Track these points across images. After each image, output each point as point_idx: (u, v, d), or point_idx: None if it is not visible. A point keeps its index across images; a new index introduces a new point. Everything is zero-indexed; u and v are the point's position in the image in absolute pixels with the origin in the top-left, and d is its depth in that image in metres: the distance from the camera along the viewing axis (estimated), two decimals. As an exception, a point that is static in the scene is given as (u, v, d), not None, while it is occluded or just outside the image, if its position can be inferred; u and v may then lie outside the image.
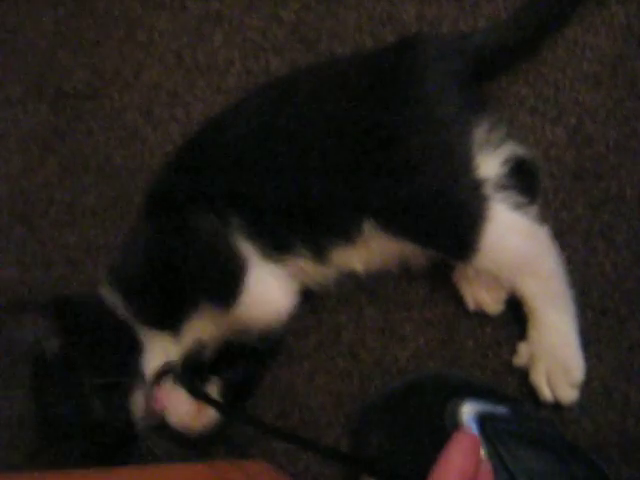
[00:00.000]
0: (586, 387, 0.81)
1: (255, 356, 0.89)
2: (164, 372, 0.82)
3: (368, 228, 0.80)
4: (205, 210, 0.82)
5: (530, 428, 0.77)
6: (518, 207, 0.80)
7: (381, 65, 0.83)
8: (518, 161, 0.84)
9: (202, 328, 0.85)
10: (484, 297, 0.85)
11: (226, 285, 0.81)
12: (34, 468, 0.88)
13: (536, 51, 0.92)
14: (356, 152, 0.79)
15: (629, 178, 0.88)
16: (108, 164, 1.08)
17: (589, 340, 0.82)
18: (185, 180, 0.86)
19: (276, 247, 0.82)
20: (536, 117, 0.91)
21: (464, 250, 0.78)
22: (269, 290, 0.83)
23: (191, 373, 0.83)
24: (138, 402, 0.83)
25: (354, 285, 0.89)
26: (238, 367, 0.88)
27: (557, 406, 0.82)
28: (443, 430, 0.75)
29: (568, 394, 0.80)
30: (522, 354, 0.83)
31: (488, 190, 0.78)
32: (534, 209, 0.82)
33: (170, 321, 0.84)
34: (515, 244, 0.79)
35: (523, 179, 0.83)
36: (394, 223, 0.79)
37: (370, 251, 0.83)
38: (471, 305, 0.87)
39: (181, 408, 0.82)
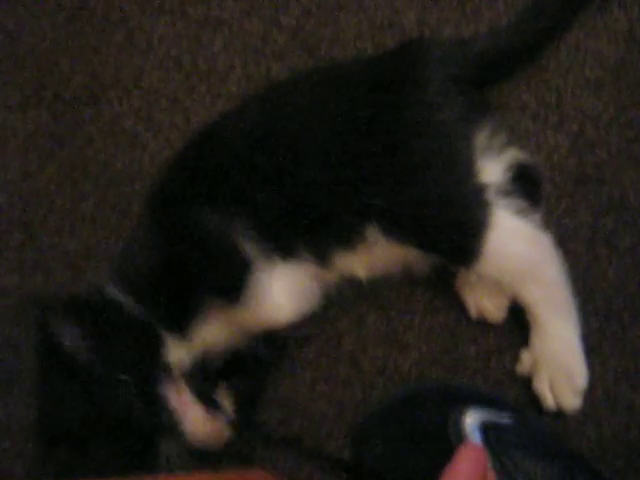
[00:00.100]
0: (589, 395, 0.81)
1: (262, 366, 0.88)
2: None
3: (371, 233, 0.79)
4: (210, 211, 0.81)
5: (534, 437, 0.77)
6: (521, 213, 0.79)
7: (382, 70, 0.83)
8: (520, 167, 0.83)
9: (210, 330, 0.84)
10: (486, 305, 0.85)
11: (230, 280, 0.80)
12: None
13: (538, 57, 0.92)
14: (358, 156, 0.78)
15: (632, 184, 0.87)
16: (108, 170, 1.07)
17: (592, 347, 0.82)
18: (189, 181, 0.85)
19: (280, 250, 0.81)
20: (538, 123, 0.91)
21: (467, 256, 0.77)
22: (273, 291, 0.82)
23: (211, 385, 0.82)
24: (169, 392, 0.82)
25: (355, 292, 0.88)
26: (247, 377, 0.87)
27: (560, 414, 0.81)
28: (446, 439, 0.74)
29: (571, 402, 0.80)
30: (525, 362, 0.83)
31: (491, 196, 0.78)
32: (537, 215, 0.81)
33: (179, 321, 0.83)
34: (518, 250, 0.78)
35: (525, 185, 0.83)
36: (397, 228, 0.78)
37: (373, 256, 0.82)
38: (473, 313, 0.86)
39: (197, 420, 0.81)
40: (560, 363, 0.79)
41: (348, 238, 0.80)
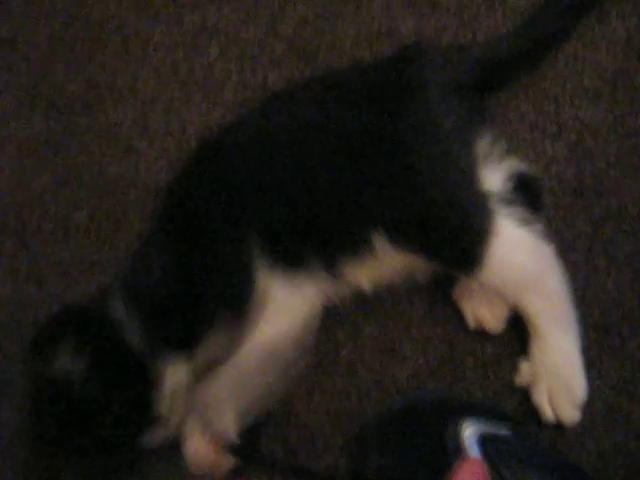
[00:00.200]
0: (588, 407, 0.80)
1: None
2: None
3: (378, 241, 0.79)
4: (220, 225, 0.82)
5: (533, 449, 0.76)
6: (524, 223, 0.79)
7: (382, 77, 0.83)
8: (520, 177, 0.83)
9: (218, 347, 0.83)
10: (485, 315, 0.84)
11: (240, 295, 0.81)
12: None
13: (536, 66, 0.92)
14: (362, 165, 0.78)
15: (630, 194, 0.87)
16: (102, 178, 1.07)
17: (591, 359, 0.81)
18: (198, 195, 0.85)
19: (292, 265, 0.81)
20: (536, 133, 0.91)
21: (470, 263, 0.77)
22: (282, 308, 0.83)
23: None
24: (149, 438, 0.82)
25: (353, 303, 0.87)
26: None
27: (559, 426, 0.80)
28: (444, 452, 0.73)
29: (570, 414, 0.79)
30: (524, 373, 0.82)
31: (494, 204, 0.77)
32: (539, 226, 0.81)
33: (188, 341, 0.82)
34: (521, 260, 0.78)
35: (526, 195, 0.82)
36: (402, 236, 0.78)
37: (379, 266, 0.82)
38: (472, 323, 0.86)
39: (198, 449, 0.79)
40: (560, 375, 0.79)
41: (356, 247, 0.80)
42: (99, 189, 1.06)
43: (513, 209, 0.79)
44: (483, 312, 0.84)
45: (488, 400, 0.85)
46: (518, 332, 0.83)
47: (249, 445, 0.84)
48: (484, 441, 0.74)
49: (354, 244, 0.80)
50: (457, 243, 0.77)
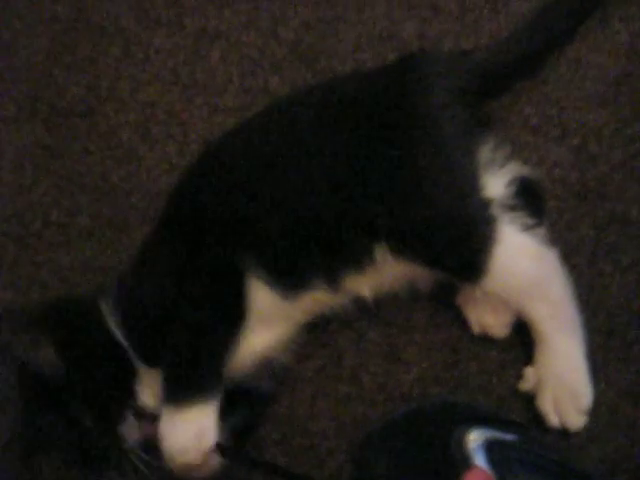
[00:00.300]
0: (593, 412, 0.80)
1: (258, 401, 0.88)
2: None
3: (380, 253, 0.78)
4: (219, 241, 0.81)
5: (539, 455, 0.76)
6: (527, 229, 0.78)
7: (383, 85, 0.82)
8: (523, 182, 0.82)
9: None
10: (489, 320, 0.84)
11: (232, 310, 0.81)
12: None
13: (539, 70, 0.92)
14: (363, 175, 0.78)
15: (634, 198, 0.87)
16: (104, 184, 1.06)
17: (596, 364, 0.81)
18: (196, 205, 0.84)
19: (290, 276, 0.80)
20: (539, 137, 0.91)
21: (473, 272, 0.77)
22: (276, 316, 0.83)
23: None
24: (130, 428, 0.81)
25: (356, 309, 0.87)
26: (241, 412, 0.86)
27: (564, 432, 0.80)
28: (450, 458, 0.73)
29: (576, 420, 0.79)
30: (528, 379, 0.82)
31: (496, 211, 0.77)
32: (542, 231, 0.80)
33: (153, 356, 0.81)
34: (524, 267, 0.77)
35: (529, 200, 0.82)
36: (405, 246, 0.77)
37: (381, 276, 0.81)
38: (476, 329, 0.85)
39: (185, 452, 0.79)
40: (565, 382, 0.78)
41: (358, 260, 0.79)
42: (100, 194, 1.06)
43: (515, 215, 0.78)
44: (487, 318, 0.84)
45: (492, 406, 0.84)
46: (522, 337, 0.83)
47: (235, 445, 0.84)
48: (490, 447, 0.74)
49: (355, 256, 0.79)
50: (459, 252, 0.77)
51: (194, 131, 1.04)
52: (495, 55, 0.87)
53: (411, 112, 0.79)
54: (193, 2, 1.08)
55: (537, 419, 0.81)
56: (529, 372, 0.82)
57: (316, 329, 0.91)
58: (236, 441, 0.84)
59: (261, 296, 0.80)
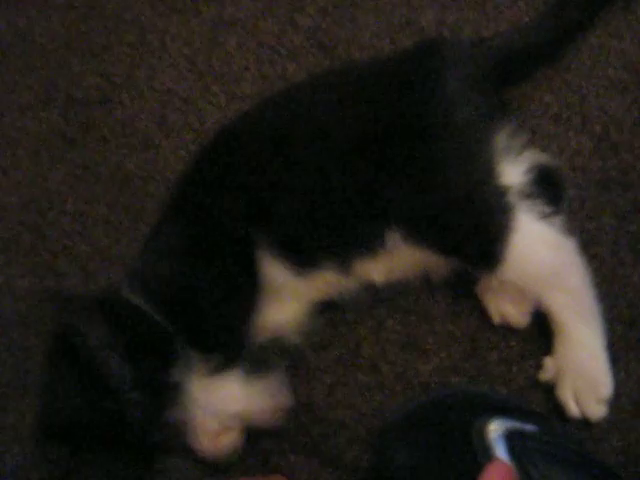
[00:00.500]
0: (614, 402, 0.79)
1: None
2: None
3: (391, 239, 0.78)
4: (232, 221, 0.81)
5: (559, 446, 0.75)
6: (544, 217, 0.77)
7: (401, 71, 0.81)
8: (542, 170, 0.81)
9: None
10: (509, 310, 0.83)
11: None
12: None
13: (560, 57, 0.91)
14: (378, 160, 0.77)
15: (656, 187, 0.86)
16: (120, 172, 1.06)
17: (616, 353, 0.80)
18: (209, 186, 0.84)
19: (302, 258, 0.80)
20: (560, 125, 0.90)
21: (489, 261, 0.76)
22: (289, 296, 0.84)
23: None
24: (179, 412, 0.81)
25: (374, 297, 0.87)
26: None
27: (584, 422, 0.80)
28: (470, 448, 0.73)
29: (596, 411, 0.79)
30: (548, 369, 0.81)
31: (513, 198, 0.76)
32: (560, 219, 0.80)
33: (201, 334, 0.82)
34: (542, 256, 0.77)
35: (548, 188, 0.81)
36: (418, 233, 0.77)
37: (392, 262, 0.81)
38: (496, 318, 0.85)
39: (208, 434, 0.79)
40: (585, 372, 0.78)
41: (369, 245, 0.79)
42: (117, 182, 1.06)
43: (533, 203, 0.77)
44: (507, 307, 0.83)
45: (513, 396, 0.84)
46: (543, 326, 0.82)
47: None
48: (510, 437, 0.74)
49: (366, 241, 0.79)
50: (475, 240, 0.76)
51: (211, 119, 1.04)
52: (515, 42, 0.86)
53: (428, 98, 0.78)
54: (209, -12, 1.07)
55: (557, 409, 0.81)
56: (549, 362, 0.81)
57: (334, 318, 0.90)
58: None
59: (273, 271, 0.81)
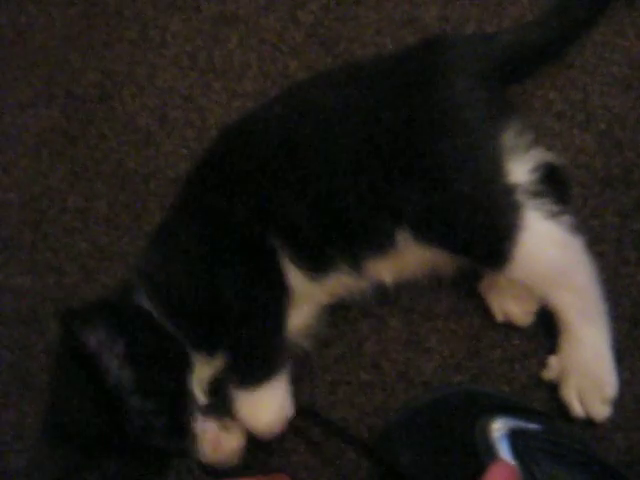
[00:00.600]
0: (618, 402, 0.79)
1: None
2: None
3: (402, 238, 0.78)
4: (243, 222, 0.80)
5: (563, 445, 0.75)
6: (552, 216, 0.77)
7: (406, 69, 0.81)
8: (548, 168, 0.81)
9: None
10: (513, 308, 0.83)
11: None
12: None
13: (563, 54, 0.90)
14: (386, 159, 0.77)
15: (660, 185, 0.85)
16: (121, 169, 1.06)
17: (621, 352, 0.79)
18: (217, 187, 0.83)
19: (313, 258, 0.80)
20: (564, 122, 0.89)
21: (498, 259, 0.76)
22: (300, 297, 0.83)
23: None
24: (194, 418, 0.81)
25: (377, 295, 0.86)
26: None
27: (588, 422, 0.79)
28: (474, 449, 0.72)
29: (600, 411, 0.78)
30: (552, 368, 0.81)
31: (521, 197, 0.76)
32: (567, 218, 0.79)
33: (211, 339, 0.81)
34: (550, 255, 0.76)
35: (554, 187, 0.81)
36: (427, 231, 0.77)
37: (402, 261, 0.81)
38: (499, 316, 0.84)
39: (212, 440, 0.79)
40: (590, 371, 0.77)
41: (380, 244, 0.79)
42: (118, 179, 1.06)
43: (540, 201, 0.77)
44: (510, 305, 0.83)
45: (516, 395, 0.83)
46: (546, 325, 0.82)
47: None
48: (513, 436, 0.73)
49: (377, 240, 0.79)
50: (483, 238, 0.76)
51: (212, 116, 1.03)
52: (518, 39, 0.85)
53: (433, 97, 0.78)
54: (210, -15, 1.07)
55: (561, 409, 0.80)
56: (553, 361, 0.81)
57: (337, 316, 0.90)
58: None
59: (290, 275, 0.81)
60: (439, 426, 0.78)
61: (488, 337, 0.86)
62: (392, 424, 0.82)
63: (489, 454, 0.71)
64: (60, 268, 1.05)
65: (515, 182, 0.76)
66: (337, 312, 0.90)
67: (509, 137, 0.78)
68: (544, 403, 0.83)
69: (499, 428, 0.74)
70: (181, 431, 0.78)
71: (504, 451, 0.72)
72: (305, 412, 0.84)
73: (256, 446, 0.87)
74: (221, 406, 0.80)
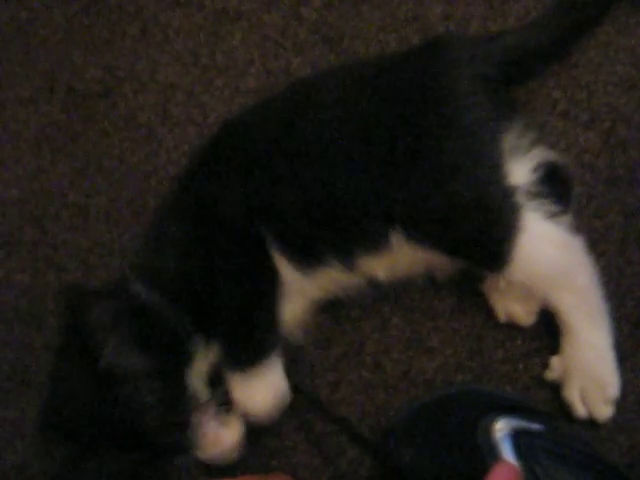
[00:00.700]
0: (620, 402, 0.79)
1: None
2: None
3: (395, 238, 0.77)
4: (237, 216, 0.80)
5: (566, 445, 0.75)
6: (552, 216, 0.77)
7: (408, 69, 0.80)
8: (550, 167, 0.81)
9: None
10: (515, 308, 0.83)
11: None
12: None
13: (567, 53, 0.89)
14: (383, 159, 0.76)
15: (665, 185, 0.85)
16: (122, 165, 1.05)
17: (624, 353, 0.79)
18: (213, 181, 0.83)
19: (306, 254, 0.80)
20: (568, 121, 0.89)
21: (496, 261, 0.75)
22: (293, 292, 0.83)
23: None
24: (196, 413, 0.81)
25: (379, 294, 0.86)
26: None
27: (591, 422, 0.79)
28: (477, 448, 0.72)
29: (603, 411, 0.78)
30: (555, 368, 0.81)
31: (520, 198, 0.75)
32: (568, 218, 0.79)
33: (205, 328, 0.81)
34: (549, 256, 0.76)
35: (555, 186, 0.80)
36: (423, 233, 0.76)
37: (396, 260, 0.80)
38: (502, 316, 0.84)
39: (210, 437, 0.79)
40: (592, 372, 0.77)
41: (372, 243, 0.78)
42: (119, 176, 1.05)
43: (540, 202, 0.76)
44: (513, 305, 0.83)
45: (519, 395, 0.83)
46: (549, 325, 0.82)
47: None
48: (516, 436, 0.73)
49: (369, 238, 0.78)
50: (481, 241, 0.75)
51: (214, 113, 1.02)
52: (522, 39, 0.84)
53: (434, 97, 0.77)
54: (213, -18, 1.06)
55: (563, 409, 0.80)
56: (555, 361, 0.81)
57: (338, 315, 0.90)
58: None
59: (280, 268, 0.81)
60: (441, 426, 0.78)
61: (490, 337, 0.86)
62: (394, 423, 0.82)
63: (492, 454, 0.71)
64: (60, 264, 1.04)
65: (515, 183, 0.76)
66: (339, 311, 0.89)
67: (510, 138, 0.78)
68: (547, 403, 0.83)
69: (502, 428, 0.74)
70: (181, 424, 0.78)
71: (507, 451, 0.72)
72: (308, 400, 0.85)
73: (256, 445, 0.87)
74: (219, 399, 0.80)
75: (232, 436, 0.82)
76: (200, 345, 0.81)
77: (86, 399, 0.77)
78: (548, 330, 0.83)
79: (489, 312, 0.86)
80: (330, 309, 0.88)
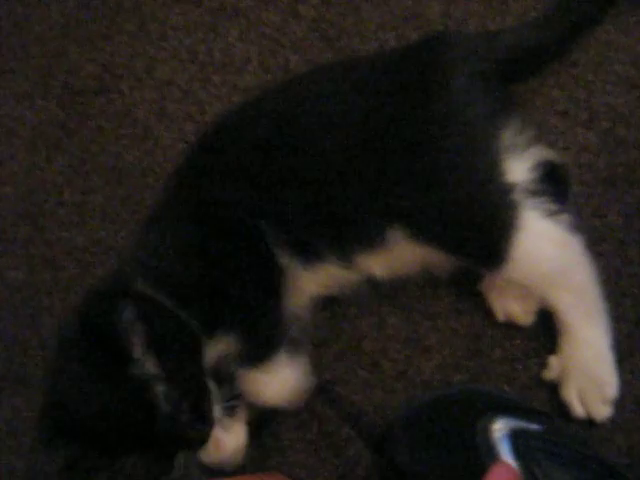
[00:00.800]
0: (619, 402, 0.78)
1: None
2: None
3: (393, 235, 0.77)
4: (236, 212, 0.80)
5: (564, 445, 0.74)
6: (550, 215, 0.76)
7: (406, 66, 0.80)
8: (548, 166, 0.80)
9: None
10: (514, 308, 0.82)
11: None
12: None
13: (567, 52, 0.89)
14: (381, 157, 0.76)
15: (664, 185, 0.85)
16: (118, 163, 1.05)
17: (622, 352, 0.79)
18: (211, 177, 0.83)
19: (305, 255, 0.80)
20: (567, 120, 0.88)
21: (493, 260, 0.75)
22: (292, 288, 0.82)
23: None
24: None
25: (376, 292, 0.86)
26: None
27: (589, 422, 0.79)
28: (475, 449, 0.72)
29: (601, 411, 0.78)
30: (553, 368, 0.80)
31: (518, 196, 0.75)
32: (566, 217, 0.78)
33: (216, 321, 0.80)
34: (547, 254, 0.75)
35: (554, 185, 0.80)
36: (420, 231, 0.76)
37: (393, 257, 0.80)
38: (500, 316, 0.84)
39: (215, 441, 0.78)
40: (590, 372, 0.77)
41: (370, 240, 0.78)
42: (115, 173, 1.05)
43: (539, 200, 0.76)
44: (512, 305, 0.82)
45: (517, 395, 0.83)
46: (547, 324, 0.82)
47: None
48: (514, 436, 0.73)
49: (367, 235, 0.78)
50: (479, 239, 0.75)
51: (212, 110, 1.02)
52: (522, 37, 0.84)
53: (432, 94, 0.77)
54: (210, -22, 1.06)
55: (561, 409, 0.80)
56: (554, 361, 0.80)
57: (336, 314, 0.89)
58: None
59: (280, 260, 0.80)
60: (439, 426, 0.77)
61: (489, 336, 0.86)
62: (391, 423, 0.82)
63: (490, 454, 0.71)
64: (56, 262, 1.04)
65: (513, 181, 0.75)
66: (336, 310, 0.89)
67: (509, 136, 0.77)
68: (545, 403, 0.82)
69: (500, 428, 0.73)
70: (204, 417, 0.77)
71: (505, 451, 0.71)
72: (324, 390, 0.86)
73: (253, 444, 0.86)
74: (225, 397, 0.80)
75: (235, 441, 0.81)
76: (205, 345, 0.80)
77: (104, 400, 0.74)
78: (546, 330, 0.82)
79: (487, 312, 0.85)
80: (328, 308, 0.88)
